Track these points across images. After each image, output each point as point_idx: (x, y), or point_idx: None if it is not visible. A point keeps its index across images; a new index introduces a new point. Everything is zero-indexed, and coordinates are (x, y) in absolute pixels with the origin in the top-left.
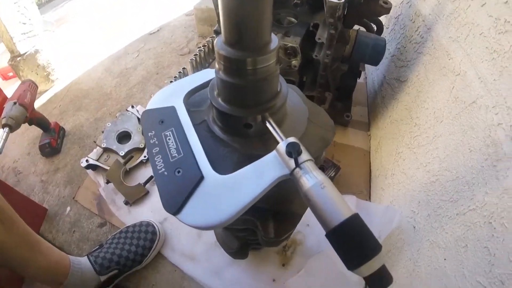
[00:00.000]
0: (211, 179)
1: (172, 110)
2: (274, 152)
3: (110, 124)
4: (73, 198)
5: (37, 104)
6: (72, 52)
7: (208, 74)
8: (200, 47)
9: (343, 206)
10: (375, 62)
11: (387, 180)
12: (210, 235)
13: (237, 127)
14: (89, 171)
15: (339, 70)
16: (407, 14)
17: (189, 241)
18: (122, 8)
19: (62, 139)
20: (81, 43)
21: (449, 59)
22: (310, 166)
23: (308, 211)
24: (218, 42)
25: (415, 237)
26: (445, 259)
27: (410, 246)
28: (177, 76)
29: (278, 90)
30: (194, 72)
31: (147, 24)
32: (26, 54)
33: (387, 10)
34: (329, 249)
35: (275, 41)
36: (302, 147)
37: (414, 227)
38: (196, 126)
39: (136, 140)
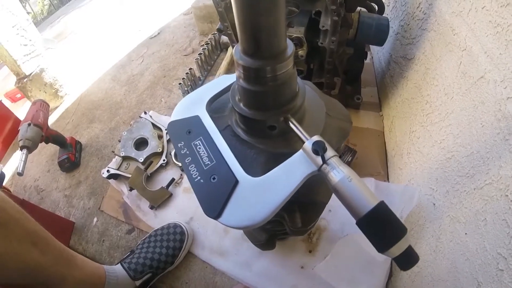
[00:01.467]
0: (246, 182)
1: (197, 119)
2: (301, 151)
3: (126, 133)
4: (99, 208)
5: (50, 122)
6: (77, 66)
7: (225, 80)
8: (203, 45)
9: (369, 195)
10: (380, 42)
11: (404, 159)
12: (237, 230)
13: (261, 130)
14: (111, 181)
15: (345, 54)
16: None
17: (217, 237)
18: (118, 16)
19: (79, 152)
20: (84, 56)
21: (453, 35)
22: (336, 161)
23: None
24: (236, 52)
25: (436, 214)
26: (466, 234)
27: (432, 223)
28: (184, 77)
29: (297, 90)
30: (201, 71)
31: (146, 29)
32: (32, 74)
33: None
34: (353, 232)
35: (290, 46)
36: (326, 144)
37: (434, 204)
38: (221, 131)
39: (153, 145)
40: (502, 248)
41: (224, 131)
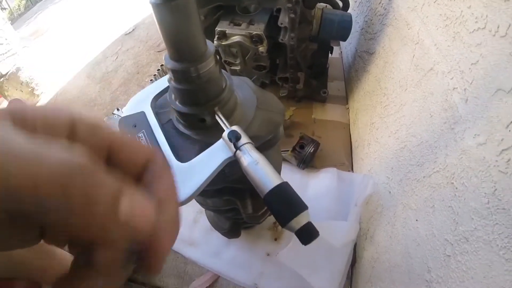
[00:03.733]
0: (174, 166)
1: (142, 115)
2: (221, 139)
3: None
4: None
5: None
6: (53, 64)
7: None
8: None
9: (274, 176)
10: (343, 38)
11: (365, 150)
12: (205, 220)
13: (194, 122)
14: None
15: (309, 50)
16: None
17: (186, 227)
18: (95, 11)
19: None
20: (60, 53)
21: (408, 29)
22: (248, 147)
23: None
24: (166, 58)
25: (391, 202)
26: (417, 220)
27: (388, 210)
28: (156, 74)
29: (224, 86)
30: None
31: (121, 25)
32: (8, 73)
33: None
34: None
35: (210, 47)
36: (242, 133)
37: (390, 192)
38: (163, 125)
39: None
40: (449, 234)
41: (166, 124)
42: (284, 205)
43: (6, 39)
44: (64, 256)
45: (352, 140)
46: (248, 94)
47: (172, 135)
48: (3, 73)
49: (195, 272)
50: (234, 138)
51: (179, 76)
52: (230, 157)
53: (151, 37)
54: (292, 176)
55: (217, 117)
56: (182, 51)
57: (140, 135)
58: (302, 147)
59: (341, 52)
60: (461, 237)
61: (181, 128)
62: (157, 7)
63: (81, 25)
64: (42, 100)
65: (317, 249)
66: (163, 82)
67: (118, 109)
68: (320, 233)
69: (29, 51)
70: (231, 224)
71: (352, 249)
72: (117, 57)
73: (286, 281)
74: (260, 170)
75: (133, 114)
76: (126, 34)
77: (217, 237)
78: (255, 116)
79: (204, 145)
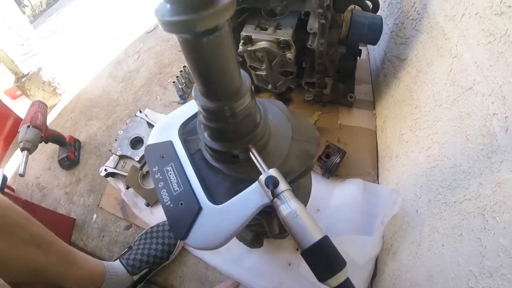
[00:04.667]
0: (208, 209)
1: (169, 144)
2: (256, 183)
3: (122, 132)
4: (98, 205)
5: (49, 119)
6: (74, 63)
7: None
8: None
9: (314, 230)
10: (373, 41)
11: (392, 162)
12: None
13: (226, 157)
14: (109, 179)
15: (337, 54)
16: None
17: None
18: (115, 9)
19: (79, 150)
20: (81, 51)
21: (445, 39)
22: (287, 195)
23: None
24: (195, 92)
25: (418, 221)
26: (443, 245)
27: (414, 230)
28: (179, 75)
29: (258, 120)
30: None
31: (143, 22)
32: (30, 73)
33: None
34: (339, 234)
35: (246, 81)
36: (280, 177)
37: (417, 211)
38: (192, 154)
39: (146, 144)
40: (474, 266)
41: (195, 154)
42: (324, 262)
43: (27, 39)
44: (86, 262)
45: (378, 149)
46: (282, 123)
47: (202, 168)
48: (25, 73)
49: (216, 278)
50: (272, 185)
51: (212, 115)
52: (266, 203)
53: (173, 36)
54: (316, 184)
55: (251, 155)
56: (214, 90)
57: (168, 168)
58: (328, 156)
59: (368, 53)
60: (486, 272)
61: (211, 161)
62: (185, 43)
63: (102, 22)
64: (64, 99)
65: None
66: (191, 107)
67: (140, 111)
68: (343, 247)
69: (51, 50)
70: (254, 236)
71: (374, 263)
72: (138, 56)
73: None
74: (299, 223)
75: (160, 143)
76: (147, 32)
77: (238, 245)
78: (291, 149)
79: (236, 181)
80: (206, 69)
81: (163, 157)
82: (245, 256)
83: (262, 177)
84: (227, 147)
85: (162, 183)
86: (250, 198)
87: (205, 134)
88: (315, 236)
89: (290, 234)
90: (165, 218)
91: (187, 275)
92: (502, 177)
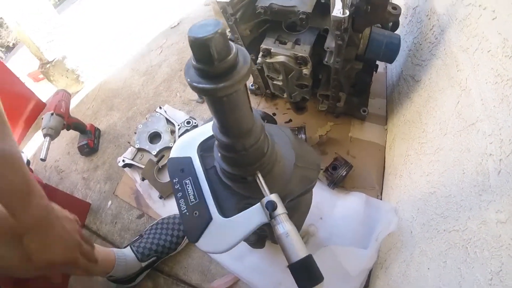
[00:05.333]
0: (217, 221)
1: (189, 160)
2: (259, 204)
3: (141, 126)
4: (113, 193)
5: (71, 106)
6: (97, 52)
7: None
8: None
9: (301, 249)
10: (389, 60)
11: (396, 180)
12: None
13: (236, 178)
14: (126, 169)
15: (353, 69)
16: (423, 8)
17: None
18: (141, 1)
19: (98, 139)
20: (104, 42)
21: (457, 70)
22: (282, 218)
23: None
24: (214, 127)
25: (411, 242)
26: (428, 269)
27: (406, 249)
28: None
29: (266, 151)
30: None
31: (167, 17)
32: (54, 60)
33: (396, 17)
34: (337, 244)
35: (257, 122)
36: (279, 203)
37: (411, 232)
38: (208, 170)
39: (166, 139)
40: None
41: (210, 169)
42: (305, 276)
43: (54, 28)
44: (97, 251)
45: (385, 165)
46: (287, 150)
47: (215, 182)
48: (49, 59)
49: (218, 272)
50: (271, 208)
51: (225, 147)
52: (265, 222)
53: None
54: (321, 193)
55: (257, 180)
56: (230, 130)
57: (187, 181)
58: (335, 168)
59: (386, 67)
60: None
61: (223, 178)
62: (209, 98)
63: (126, 14)
64: (87, 87)
65: (333, 273)
66: (210, 127)
67: (160, 107)
68: (338, 258)
69: (75, 38)
70: (258, 238)
71: (367, 275)
72: (161, 51)
73: None
74: (289, 242)
75: (181, 157)
76: (171, 28)
77: (242, 244)
78: (293, 174)
79: (243, 198)
80: (224, 117)
81: (183, 170)
82: (248, 255)
83: (264, 200)
84: (237, 171)
85: (180, 193)
86: (253, 216)
87: (220, 158)
88: (301, 254)
89: (281, 249)
90: (176, 211)
91: (192, 267)
92: (488, 216)
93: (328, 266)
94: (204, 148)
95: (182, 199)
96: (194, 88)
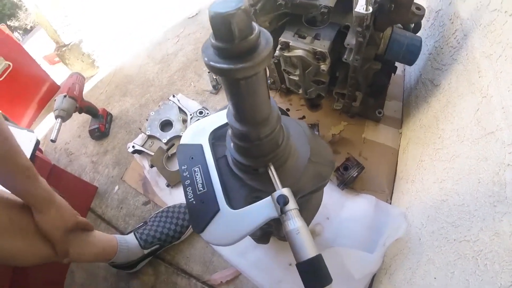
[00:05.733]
0: (225, 212)
1: (199, 148)
2: (269, 197)
3: (153, 113)
4: (121, 178)
5: (85, 90)
6: (115, 38)
7: None
8: None
9: (311, 247)
10: (409, 62)
11: (408, 185)
12: None
13: (247, 169)
14: (135, 155)
15: (372, 69)
16: (446, 12)
17: None
18: None
19: (110, 123)
20: (121, 28)
21: (479, 77)
22: (293, 213)
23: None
24: (228, 113)
25: (418, 249)
26: (435, 278)
27: (413, 256)
28: None
29: (280, 143)
30: None
31: (185, 7)
32: (70, 44)
33: (419, 17)
34: (342, 245)
35: (274, 110)
36: (290, 197)
37: (420, 239)
38: (218, 159)
39: (177, 128)
40: None
41: (221, 159)
42: (313, 276)
43: (70, 11)
44: (100, 239)
45: (397, 169)
46: (302, 144)
47: (225, 173)
48: (66, 43)
49: (220, 265)
50: (282, 203)
51: (239, 136)
52: (275, 216)
53: None
54: (330, 193)
55: (269, 172)
56: (245, 117)
57: (196, 169)
58: (346, 168)
59: (404, 69)
60: None
61: (234, 169)
62: (226, 80)
63: (145, 2)
64: (101, 72)
65: (337, 275)
66: (223, 116)
67: (174, 96)
68: (343, 260)
69: (93, 24)
70: (263, 233)
71: (370, 280)
72: (178, 40)
73: None
74: (299, 239)
75: (192, 144)
76: (189, 18)
77: (246, 238)
78: (306, 169)
79: (253, 190)
80: (241, 102)
81: (192, 158)
82: (251, 250)
83: (275, 194)
84: (249, 162)
85: (189, 181)
86: (262, 209)
87: (232, 147)
88: (310, 253)
89: (290, 246)
90: (182, 200)
91: (194, 257)
92: (501, 228)
93: (332, 267)
94: (216, 136)
95: (190, 187)
96: (212, 68)
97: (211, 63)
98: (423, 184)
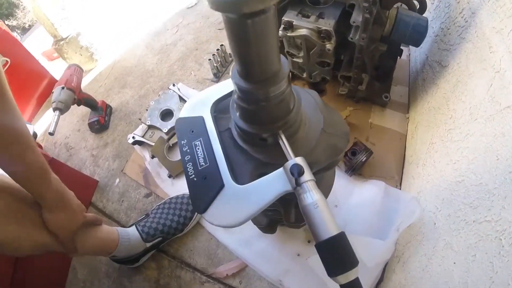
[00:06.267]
0: (230, 188)
1: (200, 120)
2: (281, 169)
3: (153, 103)
4: (122, 170)
5: (84, 83)
6: (112, 30)
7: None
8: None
9: (332, 224)
10: (416, 43)
11: (418, 169)
12: None
13: (254, 140)
14: (136, 146)
15: (377, 51)
16: None
17: None
18: None
19: (109, 116)
20: (119, 20)
21: (490, 52)
22: (310, 185)
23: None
24: (234, 72)
25: (434, 234)
26: (454, 263)
27: (428, 242)
28: (215, 53)
29: (292, 107)
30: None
31: None
32: (68, 37)
33: None
34: (353, 232)
35: (285, 66)
36: (306, 167)
37: (435, 224)
38: (221, 132)
39: (178, 117)
40: None
41: (225, 132)
42: (336, 258)
43: (67, 4)
44: (100, 231)
45: (406, 154)
46: (314, 114)
47: (229, 147)
48: (63, 36)
49: (225, 257)
50: (297, 173)
51: (246, 96)
52: (288, 191)
53: (213, 13)
54: (338, 180)
55: (280, 141)
56: (252, 72)
57: (197, 143)
58: (354, 153)
59: (409, 54)
60: None
61: (239, 141)
62: (230, 21)
63: None
64: (100, 65)
65: None
66: (226, 85)
67: (174, 85)
68: (354, 247)
69: (90, 15)
70: (269, 221)
71: (383, 268)
72: (177, 31)
73: (310, 285)
74: (319, 214)
75: (192, 117)
76: (188, 8)
77: (252, 227)
78: (319, 140)
79: (261, 164)
80: (247, 50)
81: (193, 131)
82: (257, 240)
83: (288, 164)
84: (256, 130)
85: (189, 156)
86: (274, 183)
87: (237, 114)
88: (332, 230)
89: (308, 224)
90: (185, 191)
91: (198, 250)
92: None
93: None
94: (219, 108)
95: (190, 163)
96: (214, 3)
97: None
98: (435, 167)
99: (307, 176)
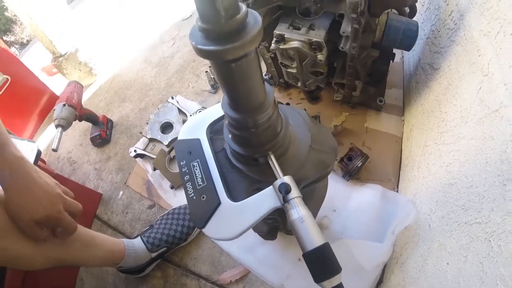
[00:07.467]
0: (226, 205)
1: (197, 142)
2: (271, 187)
3: (153, 116)
4: (125, 183)
5: (84, 98)
6: (111, 45)
7: None
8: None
9: (317, 236)
10: (407, 47)
11: (414, 172)
12: None
13: (247, 160)
14: (138, 159)
15: (370, 57)
16: None
17: None
18: None
19: (111, 130)
20: (116, 35)
21: (478, 55)
22: (297, 202)
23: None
24: (223, 102)
25: (429, 236)
26: (447, 264)
27: (424, 244)
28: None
29: (279, 130)
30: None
31: (179, 10)
32: (67, 54)
33: (414, 0)
34: (350, 237)
35: (270, 95)
36: (293, 185)
37: (429, 226)
38: (217, 153)
39: (178, 129)
40: None
41: (220, 152)
42: (321, 266)
43: (65, 20)
44: (105, 242)
45: (402, 157)
46: (302, 132)
47: (224, 166)
48: (62, 53)
49: (228, 264)
50: (284, 191)
51: (236, 124)
52: (278, 206)
53: None
54: (335, 185)
55: (269, 161)
56: (240, 104)
57: (195, 164)
58: (350, 159)
59: (402, 56)
60: None
61: (234, 161)
62: (216, 65)
63: (138, 6)
64: (100, 80)
65: (347, 267)
66: (219, 108)
67: (172, 98)
68: (352, 251)
69: (87, 31)
70: (269, 229)
71: (382, 270)
72: (174, 43)
73: None
74: (305, 228)
75: (189, 139)
76: (183, 20)
77: (254, 235)
78: (308, 157)
79: (254, 181)
80: (233, 87)
81: (190, 153)
82: (259, 246)
83: (277, 183)
84: (248, 152)
85: (188, 176)
86: (265, 200)
87: (230, 138)
88: (317, 241)
89: (295, 237)
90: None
91: (202, 258)
92: None
93: (341, 259)
94: (214, 130)
95: (189, 183)
96: (200, 52)
97: (199, 46)
98: (429, 169)
99: (294, 193)
